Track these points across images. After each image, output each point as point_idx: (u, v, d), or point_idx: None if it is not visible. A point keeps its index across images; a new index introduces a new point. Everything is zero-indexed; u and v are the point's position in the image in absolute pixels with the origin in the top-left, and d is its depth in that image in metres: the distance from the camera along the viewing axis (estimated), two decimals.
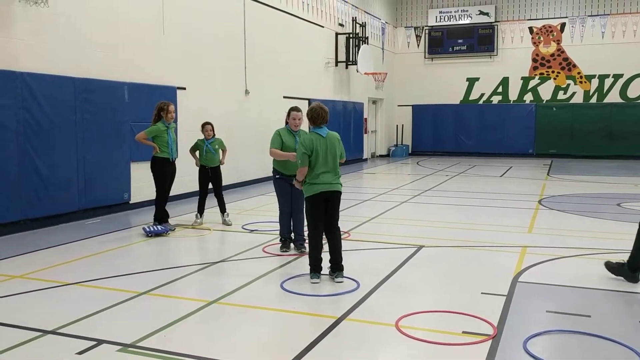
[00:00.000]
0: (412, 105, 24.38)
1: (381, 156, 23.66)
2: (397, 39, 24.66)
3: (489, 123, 23.12)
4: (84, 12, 9.14)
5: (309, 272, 5.81)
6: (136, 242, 7.68)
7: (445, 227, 8.61)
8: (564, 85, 22.50)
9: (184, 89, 11.36)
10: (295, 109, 6.87)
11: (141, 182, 9.96)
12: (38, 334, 4.33)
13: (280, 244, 7.09)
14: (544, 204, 10.71)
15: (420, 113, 24.24)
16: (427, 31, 24.05)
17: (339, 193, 5.81)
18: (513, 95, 23.22)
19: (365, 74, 19.35)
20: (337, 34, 18.62)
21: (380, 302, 5.14)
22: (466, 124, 23.50)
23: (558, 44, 22.46)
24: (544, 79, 22.77)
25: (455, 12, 23.62)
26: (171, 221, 8.56)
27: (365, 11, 20.89)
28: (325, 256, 5.86)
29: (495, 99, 23.50)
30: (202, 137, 8.83)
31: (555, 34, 22.47)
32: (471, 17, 23.38)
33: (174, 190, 8.88)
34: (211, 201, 9.01)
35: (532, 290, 5.52)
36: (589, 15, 21.97)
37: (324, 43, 17.95)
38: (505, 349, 4.07)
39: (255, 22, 13.68)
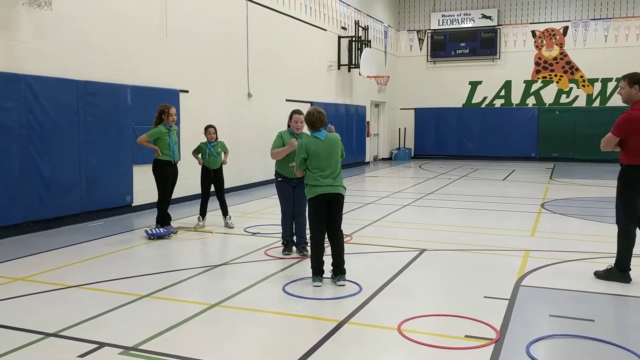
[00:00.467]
0: (415, 109, 24.38)
1: (383, 159, 23.66)
2: (400, 42, 24.67)
3: (491, 126, 23.10)
4: (87, 15, 9.16)
5: (311, 275, 5.80)
6: (138, 245, 7.67)
7: (447, 230, 8.60)
8: (567, 89, 22.49)
9: (187, 91, 11.38)
10: (297, 111, 6.88)
11: (143, 184, 9.97)
12: (40, 336, 4.32)
13: (283, 247, 7.08)
14: (547, 208, 10.69)
15: (423, 116, 24.23)
16: (429, 34, 24.06)
17: (341, 196, 5.80)
18: (516, 98, 23.20)
19: (367, 77, 19.37)
20: (339, 37, 18.64)
21: (382, 305, 5.13)
22: (469, 127, 23.48)
23: (561, 47, 22.45)
24: (546, 83, 22.76)
25: (457, 15, 23.63)
26: (173, 224, 8.56)
27: (367, 14, 20.91)
28: (328, 259, 5.85)
29: (498, 103, 23.49)
30: (204, 140, 8.83)
31: (558, 37, 22.46)
32: (474, 21, 23.39)
33: (176, 193, 8.88)
34: (213, 204, 9.01)
35: (535, 294, 5.51)
36: (591, 19, 21.96)
37: (327, 46, 17.97)
38: (508, 353, 4.05)
39: (257, 25, 13.69)
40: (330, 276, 5.82)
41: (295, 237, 7.04)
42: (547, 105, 22.72)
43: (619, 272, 5.81)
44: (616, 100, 21.62)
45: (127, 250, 7.38)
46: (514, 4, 23.01)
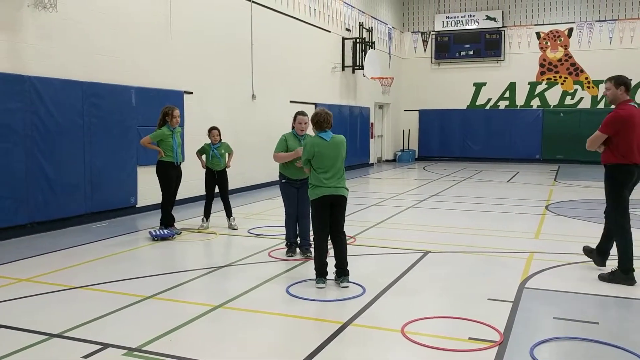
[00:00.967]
0: (419, 110, 24.36)
1: (387, 161, 23.65)
2: (404, 43, 24.67)
3: (495, 128, 23.06)
4: (92, 17, 9.20)
5: (314, 276, 5.80)
6: (142, 246, 7.69)
7: (451, 232, 8.59)
8: (572, 91, 22.43)
9: (191, 93, 11.40)
10: (301, 113, 6.89)
11: (148, 186, 9.99)
12: (44, 337, 4.34)
13: (286, 249, 7.09)
14: (551, 210, 10.67)
15: (427, 118, 24.20)
16: (434, 36, 24.05)
17: (344, 198, 5.80)
18: (520, 100, 23.16)
19: (371, 78, 19.36)
20: (343, 39, 18.64)
21: (385, 307, 5.13)
22: (473, 129, 23.45)
23: (565, 49, 22.40)
24: (551, 84, 22.71)
25: (462, 17, 23.62)
26: (177, 225, 8.57)
27: (372, 16, 20.91)
28: (331, 261, 5.85)
29: (502, 104, 23.45)
30: (208, 141, 8.85)
31: (562, 39, 22.41)
32: (478, 22, 23.37)
33: (180, 194, 8.89)
34: (217, 205, 9.02)
35: (539, 297, 5.49)
36: (596, 21, 21.91)
37: (331, 48, 17.98)
38: (512, 356, 4.04)
39: (262, 26, 13.71)
40: (333, 278, 5.82)
41: (298, 239, 7.04)
42: (551, 107, 22.67)
43: (623, 274, 5.80)
44: None
45: (131, 252, 7.40)
46: (518, 6, 22.98)
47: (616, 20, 21.64)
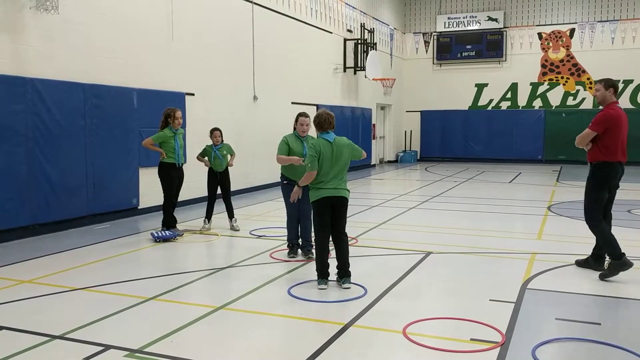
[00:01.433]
0: (421, 111, 24.35)
1: (389, 162, 23.64)
2: (406, 44, 24.67)
3: (497, 129, 23.04)
4: (94, 18, 9.21)
5: (316, 278, 5.79)
6: (144, 248, 7.70)
7: (453, 233, 8.58)
8: (574, 91, 22.41)
9: (193, 94, 11.41)
10: (303, 114, 6.88)
11: (150, 187, 10.00)
12: (46, 338, 4.34)
13: (288, 250, 7.09)
14: (553, 211, 10.65)
15: (429, 119, 24.20)
16: (435, 37, 24.05)
17: (345, 199, 5.80)
18: (522, 101, 23.14)
19: (373, 79, 19.36)
20: (345, 40, 18.65)
21: (387, 308, 5.12)
22: (475, 129, 23.43)
23: (567, 49, 22.38)
24: (553, 85, 22.69)
25: (463, 18, 23.61)
26: (179, 226, 8.58)
27: (373, 17, 20.92)
28: (333, 262, 5.84)
29: (504, 105, 23.43)
30: (210, 143, 8.85)
31: (564, 39, 22.40)
32: (480, 23, 23.36)
33: (182, 196, 8.90)
34: (219, 206, 9.02)
35: (541, 298, 5.48)
36: (598, 21, 21.89)
37: (332, 49, 17.98)
38: (514, 357, 4.03)
39: (263, 28, 13.72)
40: (335, 279, 5.82)
41: (300, 240, 7.04)
42: (553, 108, 22.65)
43: (617, 262, 5.95)
44: (623, 102, 21.53)
45: (133, 253, 7.40)
46: (520, 6, 22.96)
47: (618, 20, 21.61)
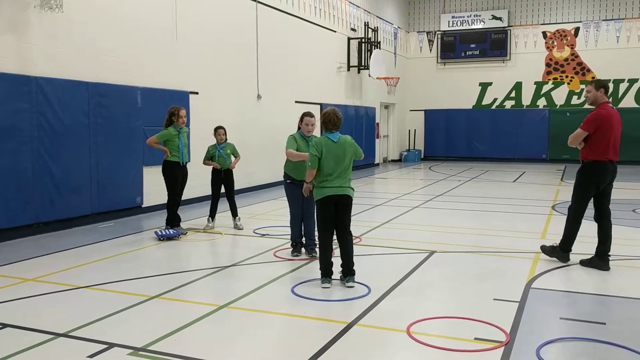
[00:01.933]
0: (425, 110, 24.33)
1: (393, 161, 23.62)
2: (410, 43, 24.63)
3: (501, 128, 23.00)
4: (98, 17, 9.22)
5: (319, 276, 5.79)
6: (148, 246, 7.70)
7: (457, 232, 8.56)
8: (578, 90, 22.32)
9: (197, 93, 11.42)
10: (308, 114, 6.85)
11: (153, 186, 10.01)
12: (50, 336, 4.35)
13: (292, 249, 7.08)
14: (558, 210, 10.62)
15: (433, 118, 24.17)
16: (439, 36, 24.01)
17: (349, 198, 5.79)
18: (526, 100, 23.09)
19: (377, 78, 19.34)
20: (349, 39, 18.64)
21: (391, 307, 5.11)
22: (479, 129, 23.39)
23: (572, 48, 22.31)
24: (557, 84, 22.62)
25: (468, 16, 23.56)
26: (183, 225, 8.59)
27: (377, 16, 20.89)
28: (337, 261, 5.84)
29: (508, 104, 23.38)
30: (213, 142, 8.85)
31: (569, 38, 22.32)
32: (484, 22, 23.31)
33: (186, 194, 8.91)
34: (223, 205, 9.02)
35: (545, 297, 5.47)
36: (603, 20, 21.81)
37: (336, 48, 17.97)
38: (518, 356, 4.02)
39: (267, 27, 13.72)
40: (339, 277, 5.81)
41: (304, 239, 7.04)
42: (558, 107, 22.59)
43: (562, 252, 6.55)
44: (628, 102, 21.49)
45: (136, 252, 7.41)
46: (524, 5, 22.90)
47: (623, 19, 21.53)
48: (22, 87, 7.94)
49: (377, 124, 21.43)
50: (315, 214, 6.21)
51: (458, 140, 23.75)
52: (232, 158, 8.91)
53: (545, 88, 22.78)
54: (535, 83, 22.90)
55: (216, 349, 4.17)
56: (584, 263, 6.47)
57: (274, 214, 10.23)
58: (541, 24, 22.71)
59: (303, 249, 7.05)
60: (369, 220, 9.51)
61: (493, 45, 23.15)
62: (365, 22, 19.55)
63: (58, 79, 8.47)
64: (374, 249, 7.41)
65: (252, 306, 5.11)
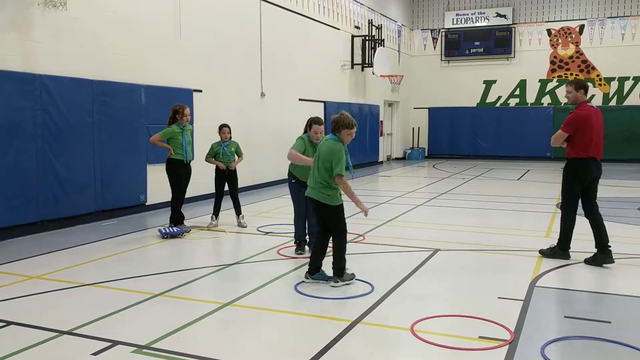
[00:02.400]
0: (429, 108, 24.28)
1: (397, 159, 23.58)
2: (414, 41, 24.58)
3: (506, 126, 22.94)
4: (102, 15, 9.22)
5: (327, 275, 5.77)
6: (152, 244, 7.71)
7: (461, 230, 8.54)
8: None
9: (200, 91, 11.41)
10: (316, 121, 6.69)
11: (157, 184, 10.01)
12: (54, 334, 4.35)
13: (295, 246, 7.08)
14: None
15: (437, 116, 24.12)
16: (443, 33, 23.94)
17: (312, 200, 5.72)
18: (531, 98, 23.01)
19: (381, 76, 19.30)
20: (353, 37, 18.60)
21: (395, 305, 5.10)
22: (483, 127, 23.33)
23: (577, 46, 22.22)
24: (562, 82, 22.51)
25: (472, 14, 23.49)
26: (187, 223, 8.59)
27: (381, 14, 20.84)
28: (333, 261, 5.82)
29: (513, 102, 23.31)
30: (217, 139, 8.84)
31: (573, 36, 22.23)
32: (488, 20, 23.23)
33: (190, 192, 8.90)
34: (226, 203, 9.02)
35: (549, 295, 5.45)
36: (608, 17, 21.71)
37: (340, 45, 17.94)
38: (523, 355, 4.00)
39: (271, 24, 13.70)
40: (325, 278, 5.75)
41: (307, 237, 7.03)
42: (562, 105, 22.48)
43: (561, 251, 6.66)
44: (633, 99, 21.39)
45: (140, 249, 7.42)
46: (529, 2, 22.81)
47: (628, 16, 21.42)
48: (26, 86, 7.95)
49: (381, 121, 21.39)
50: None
51: (462, 138, 23.70)
52: (236, 156, 8.91)
53: (550, 86, 22.70)
54: (540, 81, 22.82)
55: (220, 347, 4.17)
56: (588, 261, 6.46)
57: (277, 212, 10.23)
58: (546, 22, 22.62)
59: (307, 247, 7.04)
60: (373, 218, 9.48)
61: (497, 42, 23.08)
62: (369, 20, 19.52)
63: (62, 77, 8.48)
64: (378, 247, 7.39)
65: (255, 304, 5.10)
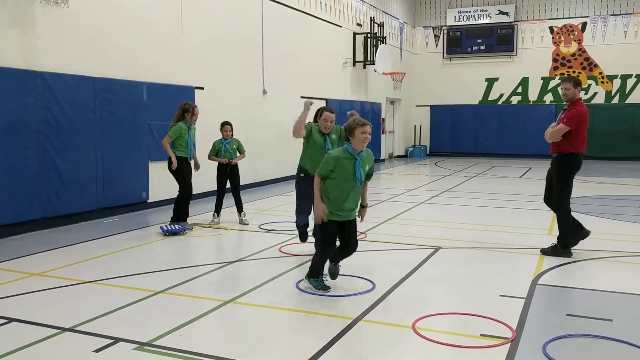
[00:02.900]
0: (430, 106, 24.25)
1: (399, 157, 23.57)
2: (416, 38, 24.54)
3: (508, 124, 22.90)
4: (104, 12, 9.22)
5: (324, 273, 5.76)
6: (153, 241, 7.72)
7: (463, 228, 8.54)
8: (585, 86, 22.15)
9: (202, 88, 11.41)
10: (328, 109, 6.48)
11: (159, 181, 10.02)
12: (56, 331, 4.36)
13: (299, 236, 6.95)
14: None
15: (439, 113, 24.09)
16: (445, 31, 23.90)
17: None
18: (533, 95, 22.97)
19: (383, 74, 19.28)
20: (355, 34, 18.58)
21: (396, 303, 5.10)
22: (485, 124, 23.29)
23: (579, 43, 22.16)
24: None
25: (474, 11, 23.44)
26: (189, 220, 8.59)
27: (383, 11, 20.81)
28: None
29: (515, 100, 23.27)
30: (218, 137, 8.84)
31: (576, 33, 22.18)
32: (490, 17, 23.18)
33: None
34: (228, 201, 9.02)
35: (551, 293, 5.44)
36: (610, 15, 21.65)
37: (342, 43, 17.92)
38: (524, 353, 4.00)
39: (273, 22, 13.69)
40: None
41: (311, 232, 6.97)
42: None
43: (562, 248, 6.68)
44: (636, 97, 21.34)
45: (142, 247, 7.42)
46: (531, 0, 22.75)
47: (631, 14, 21.36)
48: (28, 82, 7.95)
49: (383, 119, 21.37)
50: None
51: (464, 136, 23.67)
52: (238, 154, 8.90)
53: (552, 84, 22.65)
54: (542, 78, 22.77)
55: (221, 344, 4.17)
56: (545, 251, 6.78)
57: (279, 209, 10.23)
58: (548, 19, 22.57)
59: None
60: (375, 216, 9.49)
61: (499, 40, 23.03)
62: (371, 17, 19.49)
63: (64, 74, 8.48)
64: (379, 244, 7.40)
65: (257, 301, 5.11)
